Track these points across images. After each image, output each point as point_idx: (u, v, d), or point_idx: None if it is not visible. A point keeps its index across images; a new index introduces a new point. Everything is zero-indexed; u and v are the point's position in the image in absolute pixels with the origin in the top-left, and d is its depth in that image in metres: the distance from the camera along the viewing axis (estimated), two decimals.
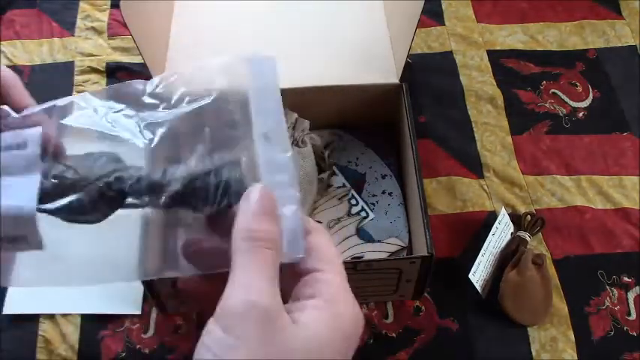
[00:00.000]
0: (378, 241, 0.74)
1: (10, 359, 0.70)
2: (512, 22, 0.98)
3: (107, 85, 0.91)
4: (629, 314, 0.72)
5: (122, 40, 0.96)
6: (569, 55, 0.94)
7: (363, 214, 0.76)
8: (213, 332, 0.30)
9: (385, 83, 0.76)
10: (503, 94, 0.90)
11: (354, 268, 0.64)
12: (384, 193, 0.77)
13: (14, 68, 0.93)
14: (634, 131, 0.86)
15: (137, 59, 0.93)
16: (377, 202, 0.77)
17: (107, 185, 0.35)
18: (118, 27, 0.97)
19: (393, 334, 0.71)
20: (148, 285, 0.64)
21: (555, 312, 0.72)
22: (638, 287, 0.74)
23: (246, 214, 0.32)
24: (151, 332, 0.71)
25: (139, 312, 0.72)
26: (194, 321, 0.72)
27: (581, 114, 0.88)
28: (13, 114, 0.36)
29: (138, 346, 0.70)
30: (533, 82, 0.91)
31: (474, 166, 0.83)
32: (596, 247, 0.77)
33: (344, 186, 0.78)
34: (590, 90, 0.91)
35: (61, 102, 0.36)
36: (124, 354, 0.70)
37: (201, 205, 0.34)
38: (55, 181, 0.34)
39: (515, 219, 0.77)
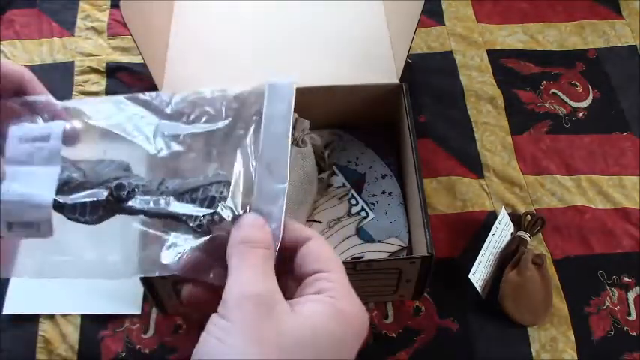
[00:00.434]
0: (378, 241, 0.74)
1: (10, 359, 0.70)
2: (512, 22, 0.98)
3: (107, 85, 0.91)
4: (629, 314, 0.72)
5: (122, 40, 0.96)
6: (569, 55, 0.94)
7: (363, 214, 0.76)
8: (214, 320, 0.32)
9: (385, 83, 0.76)
10: (503, 94, 0.90)
11: (354, 268, 0.64)
12: (384, 193, 0.77)
13: None
14: (634, 131, 0.86)
15: (137, 59, 0.93)
16: (377, 202, 0.77)
17: (108, 191, 0.35)
18: (118, 27, 0.97)
19: (393, 334, 0.71)
20: (148, 285, 0.64)
21: (555, 312, 0.72)
22: (638, 287, 0.74)
23: (240, 228, 0.35)
24: (150, 332, 0.71)
25: (139, 312, 0.72)
26: (194, 321, 0.72)
27: (581, 114, 0.88)
28: (46, 98, 0.37)
29: (138, 346, 0.70)
30: (533, 82, 0.91)
31: (474, 166, 0.83)
32: (596, 247, 0.77)
33: (344, 186, 0.78)
34: (590, 90, 0.91)
35: (89, 101, 0.38)
36: (124, 354, 0.70)
37: (185, 217, 0.36)
38: (65, 180, 0.36)
39: (515, 219, 0.77)
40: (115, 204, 0.36)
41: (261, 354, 0.30)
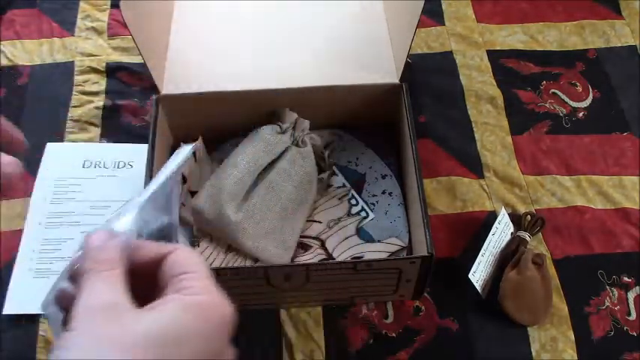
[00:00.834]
0: (378, 241, 0.74)
1: (10, 359, 0.70)
2: (512, 22, 0.98)
3: (107, 85, 0.91)
4: (629, 314, 0.72)
5: (122, 40, 0.96)
6: (569, 55, 0.94)
7: (363, 214, 0.76)
8: (61, 336, 0.33)
9: (385, 83, 0.76)
10: (503, 94, 0.90)
11: (354, 268, 0.64)
12: (384, 193, 0.77)
13: (14, 68, 0.93)
14: (634, 131, 0.86)
15: (137, 59, 0.93)
16: (377, 202, 0.77)
17: None
18: (118, 27, 0.97)
19: (393, 334, 0.71)
20: None
21: (555, 312, 0.72)
22: (638, 287, 0.74)
23: (85, 251, 0.37)
24: None
25: None
26: None
27: (581, 114, 0.88)
28: None
29: None
30: (533, 82, 0.91)
31: (474, 166, 0.83)
32: (596, 247, 0.77)
33: (344, 186, 0.78)
34: (590, 90, 0.91)
35: None
36: None
37: None
38: None
39: (515, 219, 0.77)
40: None
41: (107, 353, 0.31)
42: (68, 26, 0.98)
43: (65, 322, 0.36)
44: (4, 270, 0.74)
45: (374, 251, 0.72)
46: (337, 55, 0.80)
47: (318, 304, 0.72)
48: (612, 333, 0.71)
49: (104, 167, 0.82)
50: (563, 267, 0.75)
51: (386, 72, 0.77)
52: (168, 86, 0.75)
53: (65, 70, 0.93)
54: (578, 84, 0.91)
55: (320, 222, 0.75)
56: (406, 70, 0.74)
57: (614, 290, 0.74)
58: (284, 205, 0.72)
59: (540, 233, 0.77)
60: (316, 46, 0.81)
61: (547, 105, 0.89)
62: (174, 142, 0.80)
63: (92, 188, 0.80)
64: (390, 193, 0.77)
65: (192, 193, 0.76)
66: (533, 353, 0.70)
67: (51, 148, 0.84)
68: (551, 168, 0.83)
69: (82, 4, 1.00)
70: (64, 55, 0.94)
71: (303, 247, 0.74)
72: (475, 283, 0.70)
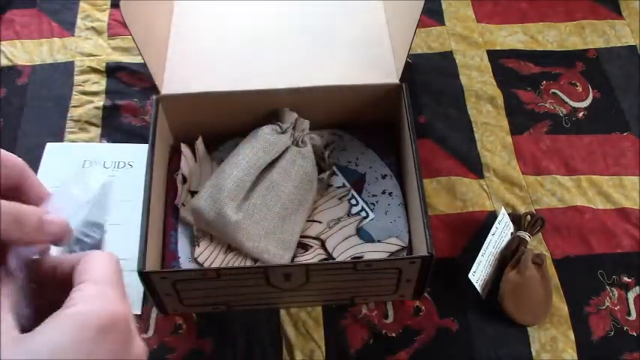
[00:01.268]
0: (378, 241, 0.73)
1: None
2: (512, 22, 0.98)
3: (107, 85, 0.91)
4: (629, 314, 0.72)
5: (122, 40, 0.96)
6: (569, 55, 0.94)
7: (363, 214, 0.76)
8: None
9: (385, 83, 0.76)
10: (503, 94, 0.90)
11: (354, 268, 0.64)
12: (384, 193, 0.77)
13: (14, 68, 0.93)
14: (634, 131, 0.86)
15: (137, 59, 0.93)
16: (377, 202, 0.77)
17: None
18: (118, 27, 0.97)
19: (393, 334, 0.71)
20: (148, 285, 0.64)
21: (555, 312, 0.72)
22: (638, 287, 0.74)
23: None
24: (150, 332, 0.71)
25: (139, 312, 0.72)
26: (194, 321, 0.72)
27: (581, 114, 0.88)
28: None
29: None
30: (533, 82, 0.91)
31: (474, 166, 0.83)
32: (596, 247, 0.77)
33: (344, 186, 0.78)
34: (590, 90, 0.91)
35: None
36: None
37: None
38: None
39: (515, 219, 0.77)
40: None
41: None
42: (68, 26, 0.98)
43: None
44: None
45: (374, 251, 0.72)
46: (337, 55, 0.80)
47: (318, 304, 0.72)
48: (612, 333, 0.71)
49: (104, 167, 0.82)
50: (563, 267, 0.75)
51: (386, 72, 0.77)
52: (169, 86, 0.75)
53: (65, 70, 0.93)
54: (578, 84, 0.91)
55: (320, 222, 0.75)
56: (406, 70, 0.74)
57: (614, 290, 0.74)
58: (284, 205, 0.72)
59: (540, 233, 0.77)
60: (316, 46, 0.81)
61: (547, 105, 0.89)
62: (175, 142, 0.80)
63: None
64: (390, 193, 0.77)
65: (192, 193, 0.76)
66: (533, 353, 0.70)
67: (51, 148, 0.84)
68: (551, 168, 0.83)
69: (82, 4, 1.00)
70: (64, 55, 0.94)
71: (303, 247, 0.74)
72: (475, 283, 0.70)
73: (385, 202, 0.76)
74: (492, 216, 0.78)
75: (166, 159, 0.79)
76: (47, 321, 0.32)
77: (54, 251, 0.37)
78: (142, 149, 0.72)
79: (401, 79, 0.75)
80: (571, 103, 0.89)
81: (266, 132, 0.74)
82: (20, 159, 0.37)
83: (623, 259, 0.76)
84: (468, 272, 0.69)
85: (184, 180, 0.77)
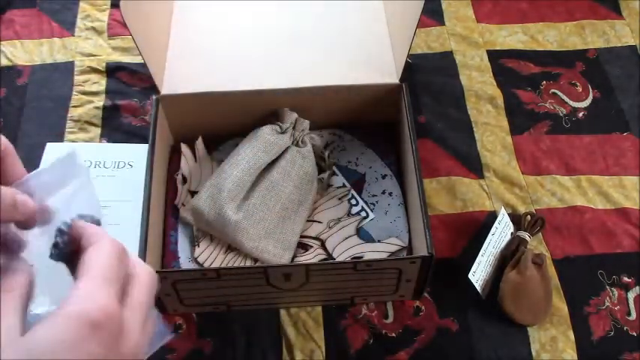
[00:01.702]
0: (378, 241, 0.73)
1: None
2: (512, 22, 0.98)
3: (107, 85, 0.91)
4: (629, 314, 0.72)
5: (122, 40, 0.96)
6: (569, 55, 0.94)
7: (363, 214, 0.76)
8: None
9: (385, 83, 0.76)
10: (503, 94, 0.90)
11: (354, 268, 0.64)
12: (384, 193, 0.77)
13: (14, 68, 0.93)
14: (634, 131, 0.86)
15: (137, 59, 0.93)
16: (377, 202, 0.77)
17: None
18: (118, 27, 0.97)
19: (393, 334, 0.71)
20: None
21: (555, 312, 0.72)
22: (638, 287, 0.74)
23: None
24: None
25: None
26: (194, 321, 0.72)
27: (581, 114, 0.88)
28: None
29: None
30: (533, 82, 0.91)
31: (474, 166, 0.83)
32: (596, 247, 0.77)
33: (344, 186, 0.78)
34: (590, 90, 0.91)
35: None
36: None
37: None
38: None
39: (515, 219, 0.77)
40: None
41: None
42: (68, 26, 0.98)
43: None
44: None
45: (374, 251, 0.72)
46: (337, 55, 0.80)
47: (318, 304, 0.72)
48: (612, 333, 0.71)
49: (104, 167, 0.82)
50: (563, 267, 0.75)
51: (386, 72, 0.77)
52: (168, 86, 0.75)
53: (65, 70, 0.93)
54: (578, 84, 0.91)
55: (320, 222, 0.75)
56: (406, 70, 0.74)
57: (614, 290, 0.74)
58: (284, 205, 0.72)
59: (540, 233, 0.77)
60: (316, 46, 0.81)
61: (547, 105, 0.89)
62: (175, 142, 0.80)
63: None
64: (390, 193, 0.77)
65: (192, 193, 0.76)
66: (533, 353, 0.70)
67: (51, 148, 0.84)
68: (551, 168, 0.83)
69: (82, 4, 1.00)
70: (64, 55, 0.94)
71: (303, 247, 0.74)
72: (475, 283, 0.70)
73: (385, 202, 0.76)
74: (492, 216, 0.78)
75: (166, 159, 0.79)
76: (43, 320, 0.32)
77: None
78: (142, 149, 0.72)
79: (401, 79, 0.75)
80: (571, 103, 0.89)
81: (266, 132, 0.74)
82: (4, 137, 0.37)
83: (623, 259, 0.76)
84: (468, 272, 0.69)
85: (184, 180, 0.77)
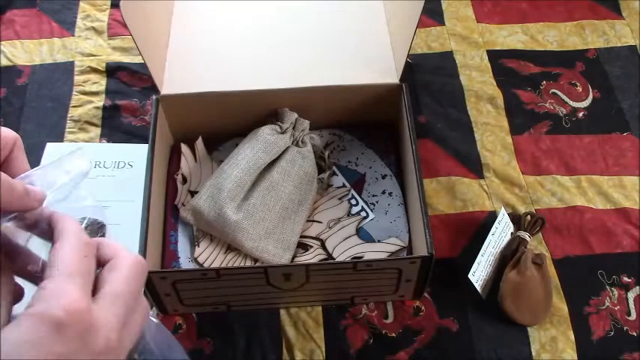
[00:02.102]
0: (378, 241, 0.73)
1: None
2: (512, 22, 0.98)
3: (107, 85, 0.91)
4: (629, 314, 0.72)
5: (122, 40, 0.96)
6: (569, 55, 0.94)
7: (363, 214, 0.76)
8: None
9: (385, 83, 0.76)
10: (503, 94, 0.90)
11: (354, 268, 0.64)
12: (384, 193, 0.77)
13: (14, 68, 0.93)
14: (634, 131, 0.86)
15: (137, 59, 0.93)
16: (377, 202, 0.77)
17: None
18: (118, 27, 0.97)
19: (393, 334, 0.71)
20: (148, 285, 0.64)
21: (555, 312, 0.72)
22: (638, 287, 0.74)
23: None
24: None
25: None
26: (194, 321, 0.72)
27: (581, 114, 0.88)
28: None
29: None
30: (533, 82, 0.91)
31: (474, 166, 0.83)
32: (596, 247, 0.77)
33: (344, 186, 0.78)
34: (590, 90, 0.91)
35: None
36: None
37: None
38: None
39: (515, 219, 0.77)
40: None
41: None
42: (68, 26, 0.98)
43: None
44: None
45: (374, 251, 0.72)
46: (337, 55, 0.80)
47: (318, 304, 0.72)
48: (612, 333, 0.71)
49: (104, 167, 0.82)
50: (563, 267, 0.75)
51: (386, 72, 0.77)
52: (168, 86, 0.75)
53: (65, 70, 0.93)
54: (578, 84, 0.91)
55: (320, 222, 0.75)
56: (406, 70, 0.74)
57: (614, 290, 0.74)
58: (284, 205, 0.72)
59: (540, 233, 0.77)
60: (316, 46, 0.81)
61: (547, 105, 0.89)
62: (175, 142, 0.80)
63: (92, 188, 0.80)
64: (390, 193, 0.77)
65: (192, 193, 0.76)
66: (533, 353, 0.70)
67: (51, 148, 0.84)
68: (551, 168, 0.83)
69: (82, 4, 1.00)
70: (64, 55, 0.95)
71: (303, 247, 0.74)
72: (475, 283, 0.70)
73: (385, 202, 0.76)
74: (492, 216, 0.78)
75: (166, 159, 0.79)
76: (13, 321, 0.32)
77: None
78: (142, 149, 0.72)
79: (401, 79, 0.75)
80: (571, 103, 0.89)
81: (266, 132, 0.74)
82: (14, 132, 0.38)
83: (623, 259, 0.76)
84: (468, 272, 0.69)
85: (184, 180, 0.77)
